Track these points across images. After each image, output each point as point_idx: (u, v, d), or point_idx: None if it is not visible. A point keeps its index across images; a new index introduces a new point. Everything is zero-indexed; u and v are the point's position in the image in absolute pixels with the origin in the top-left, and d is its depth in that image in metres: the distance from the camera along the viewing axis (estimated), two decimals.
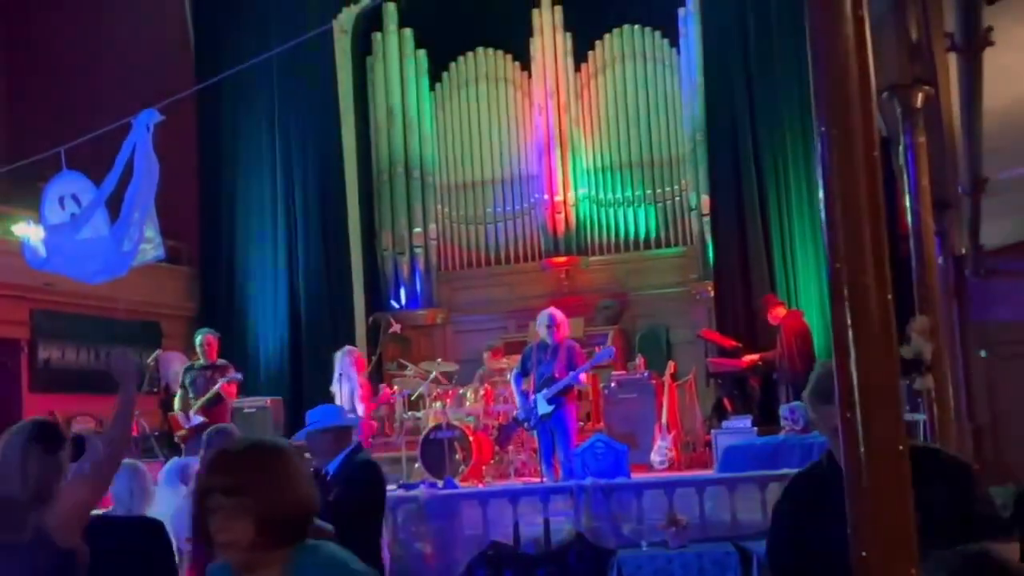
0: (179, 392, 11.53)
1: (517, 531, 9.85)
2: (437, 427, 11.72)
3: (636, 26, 16.20)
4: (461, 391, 12.57)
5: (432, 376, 12.59)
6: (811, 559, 3.41)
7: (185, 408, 11.28)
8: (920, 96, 5.51)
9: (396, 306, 16.14)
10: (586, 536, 9.71)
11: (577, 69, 16.33)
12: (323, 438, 5.82)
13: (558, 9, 16.21)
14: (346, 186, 16.18)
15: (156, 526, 5.68)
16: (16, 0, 17.24)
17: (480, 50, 16.70)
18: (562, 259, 15.78)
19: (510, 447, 12.20)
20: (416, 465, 11.70)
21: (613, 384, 12.69)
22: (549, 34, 16.24)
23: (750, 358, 12.98)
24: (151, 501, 6.19)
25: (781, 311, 12.77)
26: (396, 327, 13.88)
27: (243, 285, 16.08)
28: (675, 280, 15.56)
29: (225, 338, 15.02)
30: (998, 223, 10.59)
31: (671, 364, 12.85)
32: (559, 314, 10.73)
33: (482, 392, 12.43)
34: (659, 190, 15.81)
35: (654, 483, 10.20)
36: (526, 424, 10.81)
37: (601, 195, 16.00)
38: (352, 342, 15.57)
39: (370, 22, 16.87)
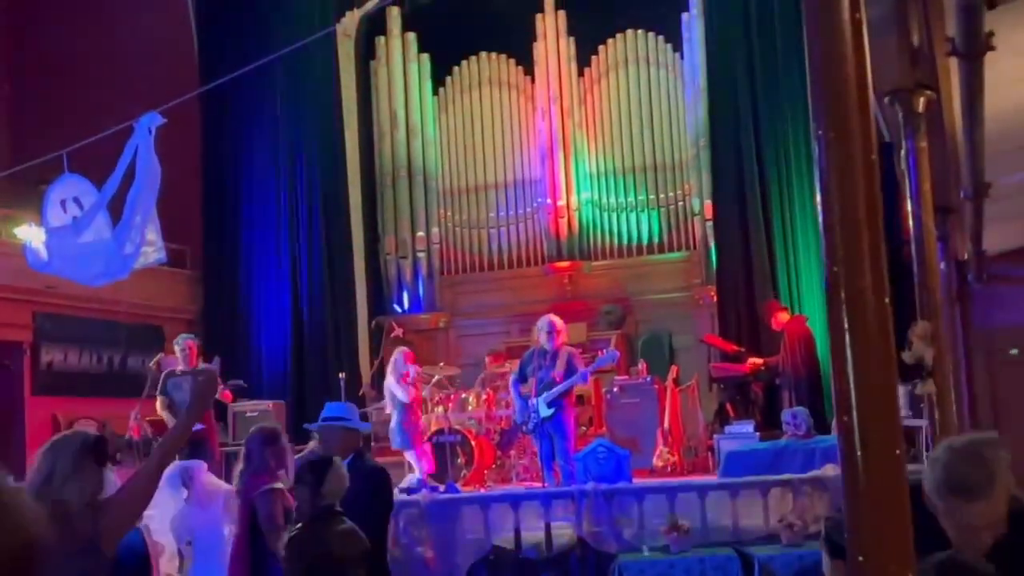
0: (160, 399, 11.15)
1: (518, 536, 9.84)
2: (439, 431, 11.71)
3: (639, 31, 16.24)
4: (463, 395, 12.57)
5: (434, 380, 12.58)
6: None
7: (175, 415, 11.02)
8: (922, 101, 5.50)
9: (399, 310, 16.16)
10: (587, 541, 9.70)
11: (580, 74, 16.35)
12: (335, 433, 6.00)
13: (562, 14, 16.24)
14: (349, 190, 16.22)
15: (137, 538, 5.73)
16: (20, 4, 17.28)
17: (483, 54, 16.74)
18: (565, 264, 15.79)
19: (512, 452, 12.20)
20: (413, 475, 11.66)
21: (615, 389, 12.68)
22: (552, 39, 16.26)
23: (753, 363, 12.97)
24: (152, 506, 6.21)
25: (784, 316, 12.77)
26: (398, 331, 13.86)
27: (245, 288, 16.08)
28: (678, 285, 15.57)
29: (227, 341, 15.10)
30: (1000, 228, 10.58)
31: (673, 369, 12.85)
32: (558, 321, 10.74)
33: (484, 396, 12.43)
34: (662, 195, 15.82)
35: (656, 488, 10.18)
36: (524, 428, 10.81)
37: (604, 200, 16.01)
38: (354, 346, 15.62)
39: (374, 26, 16.91)
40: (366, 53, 16.90)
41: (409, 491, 10.46)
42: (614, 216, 15.96)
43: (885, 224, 2.23)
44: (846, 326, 2.15)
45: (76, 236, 7.54)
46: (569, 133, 16.09)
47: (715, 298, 14.67)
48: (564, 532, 9.80)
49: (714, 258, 14.80)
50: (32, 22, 17.19)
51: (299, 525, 5.14)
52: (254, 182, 16.29)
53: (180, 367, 11.23)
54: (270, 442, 5.85)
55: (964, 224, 9.34)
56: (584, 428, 12.37)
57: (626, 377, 13.00)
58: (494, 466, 12.13)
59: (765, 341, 13.46)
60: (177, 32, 16.52)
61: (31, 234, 9.41)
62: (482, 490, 11.04)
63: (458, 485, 10.94)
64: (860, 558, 2.09)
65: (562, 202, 15.91)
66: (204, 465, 8.55)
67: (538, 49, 16.32)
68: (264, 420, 12.80)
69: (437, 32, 16.67)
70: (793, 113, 14.03)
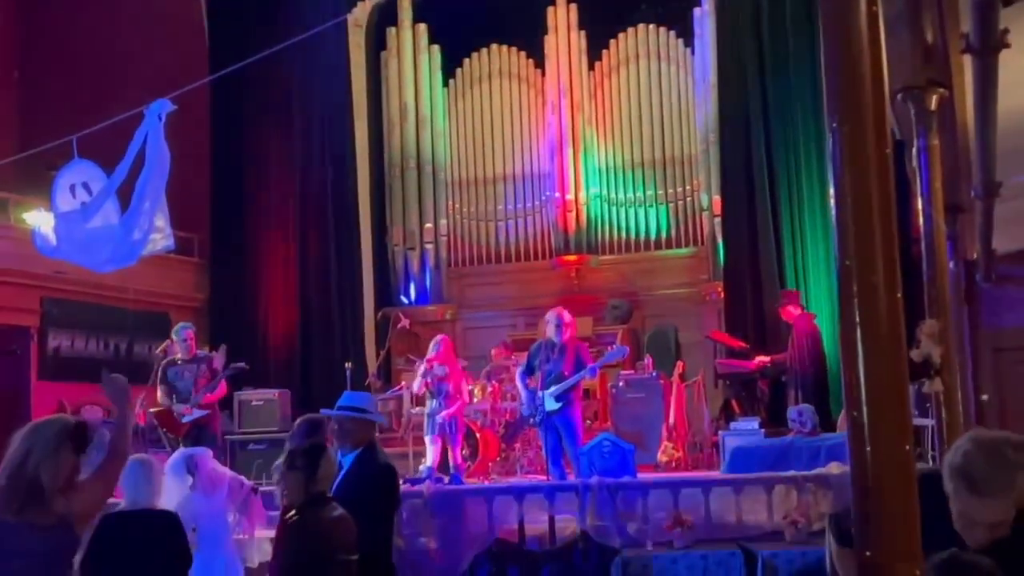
0: (160, 388, 11.06)
1: (522, 528, 9.84)
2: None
3: (651, 26, 16.19)
4: (469, 387, 12.54)
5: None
6: None
7: (182, 401, 11.00)
8: (934, 98, 5.46)
9: (405, 301, 16.16)
10: (591, 535, 9.69)
11: (591, 68, 16.32)
12: (351, 423, 5.91)
13: (573, 7, 16.21)
14: (358, 180, 16.22)
15: (172, 518, 5.80)
16: None
17: (494, 47, 16.71)
18: (572, 258, 15.77)
19: (517, 444, 12.19)
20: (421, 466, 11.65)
21: (621, 383, 12.66)
22: (564, 32, 16.23)
23: (760, 360, 12.94)
24: (160, 493, 6.24)
25: (796, 310, 12.72)
26: (405, 322, 13.87)
27: (253, 276, 16.10)
28: (685, 281, 15.56)
29: (233, 330, 15.12)
30: (1010, 228, 10.52)
31: (679, 364, 12.82)
32: (567, 314, 10.73)
33: (490, 389, 12.42)
34: (671, 190, 15.79)
35: (660, 483, 10.18)
36: (532, 420, 10.80)
37: (612, 194, 15.99)
38: (361, 337, 15.62)
39: (385, 17, 16.88)
40: (377, 43, 16.88)
41: (413, 482, 10.45)
42: (622, 211, 15.93)
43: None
44: (857, 320, 2.13)
45: (85, 221, 7.55)
46: (579, 127, 16.07)
47: (722, 294, 14.64)
48: (568, 525, 9.80)
49: (722, 254, 14.77)
50: (42, 7, 17.19)
51: (292, 512, 5.13)
52: (263, 171, 16.29)
53: (180, 355, 11.22)
54: (313, 432, 5.93)
55: (974, 224, 9.29)
56: (589, 422, 12.36)
57: (632, 372, 12.98)
58: (499, 458, 12.12)
59: (771, 337, 13.44)
60: (188, 19, 16.52)
61: (40, 219, 9.42)
62: (486, 482, 11.03)
63: (462, 477, 10.93)
64: (867, 553, 2.08)
65: (571, 196, 15.88)
66: (209, 452, 8.54)
67: (549, 42, 16.29)
68: (270, 409, 12.90)
69: (448, 23, 16.63)
70: (803, 110, 13.99)
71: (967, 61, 5.30)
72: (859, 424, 2.11)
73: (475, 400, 12.34)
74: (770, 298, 13.73)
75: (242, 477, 8.88)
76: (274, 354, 15.68)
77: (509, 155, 16.48)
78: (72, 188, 7.88)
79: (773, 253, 14.07)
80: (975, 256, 10.98)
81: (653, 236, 15.79)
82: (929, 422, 8.73)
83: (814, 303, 13.46)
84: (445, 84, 16.90)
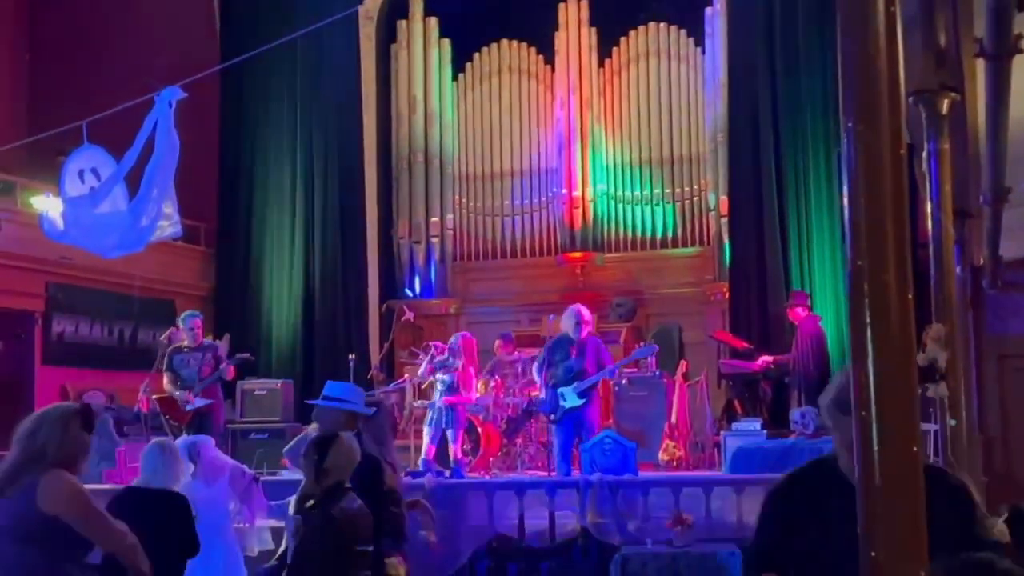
0: (166, 375, 11.07)
1: (522, 524, 9.85)
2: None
3: (662, 24, 16.18)
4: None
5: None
6: (804, 565, 3.31)
7: (186, 389, 11.01)
8: (946, 102, 5.46)
9: (410, 294, 16.17)
10: (591, 532, 9.71)
11: (601, 65, 16.30)
12: (330, 413, 5.88)
13: (584, 4, 16.19)
14: (365, 172, 16.22)
15: (182, 501, 5.81)
16: None
17: (504, 42, 16.70)
18: (578, 254, 15.77)
19: (518, 440, 12.19)
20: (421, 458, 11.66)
21: (624, 381, 12.64)
22: (574, 29, 16.21)
23: (764, 360, 12.93)
24: (179, 480, 6.23)
25: (803, 312, 12.70)
26: (409, 315, 13.88)
27: (258, 266, 16.11)
28: (690, 280, 15.55)
29: (238, 319, 15.16)
30: (1017, 235, 10.51)
31: (683, 363, 12.82)
32: (586, 311, 10.79)
33: (492, 384, 12.42)
34: (678, 189, 15.78)
35: (661, 481, 10.19)
36: (552, 416, 10.80)
37: (619, 192, 15.98)
38: (365, 329, 15.64)
39: (395, 9, 16.89)
40: (387, 36, 16.88)
41: (414, 475, 10.47)
42: (629, 208, 15.93)
43: None
44: (868, 320, 2.13)
45: (93, 206, 7.55)
46: (587, 124, 16.06)
47: (727, 294, 14.64)
48: (568, 522, 9.80)
49: (728, 254, 14.77)
50: None
51: (309, 503, 5.12)
52: (271, 161, 16.30)
53: (186, 343, 11.23)
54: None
55: (982, 229, 9.28)
56: None
57: (635, 370, 12.97)
58: (500, 453, 12.13)
59: (775, 338, 13.43)
60: (199, 7, 16.53)
61: (48, 204, 9.41)
62: (487, 477, 11.04)
63: (463, 471, 10.94)
64: (873, 554, 2.07)
65: (577, 193, 15.88)
66: (211, 440, 8.56)
67: (559, 38, 16.28)
68: (272, 399, 12.90)
69: (459, 18, 16.65)
70: (813, 112, 13.97)
71: (980, 65, 5.30)
72: (867, 424, 2.11)
73: (478, 395, 12.34)
74: (775, 299, 13.72)
75: (244, 466, 8.92)
76: (277, 344, 15.70)
77: (517, 150, 16.48)
78: (81, 173, 7.88)
79: (779, 254, 14.05)
80: (982, 262, 10.97)
81: (659, 235, 15.79)
82: (932, 427, 8.71)
83: (820, 306, 13.44)
84: (455, 78, 16.90)
